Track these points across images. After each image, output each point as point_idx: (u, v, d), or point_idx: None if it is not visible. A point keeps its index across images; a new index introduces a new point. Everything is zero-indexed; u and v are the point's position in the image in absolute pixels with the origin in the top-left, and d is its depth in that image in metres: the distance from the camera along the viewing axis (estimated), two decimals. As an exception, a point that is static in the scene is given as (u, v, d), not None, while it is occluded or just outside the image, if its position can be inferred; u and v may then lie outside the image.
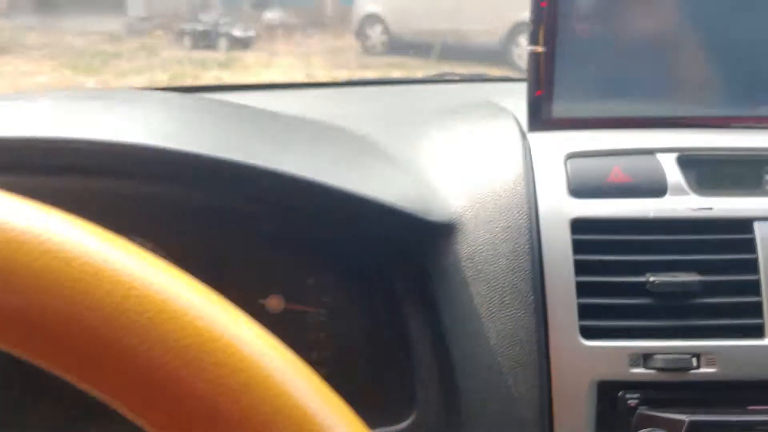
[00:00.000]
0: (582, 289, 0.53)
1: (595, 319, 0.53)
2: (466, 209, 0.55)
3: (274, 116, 0.64)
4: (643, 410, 0.52)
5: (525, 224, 0.53)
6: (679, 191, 0.56)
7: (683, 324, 0.53)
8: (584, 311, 0.53)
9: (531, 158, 0.58)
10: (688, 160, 0.58)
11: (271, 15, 6.22)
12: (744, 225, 0.55)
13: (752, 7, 0.63)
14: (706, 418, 0.51)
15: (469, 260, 0.54)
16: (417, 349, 0.56)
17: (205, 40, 5.17)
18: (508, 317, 0.52)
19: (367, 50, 5.33)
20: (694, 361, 0.52)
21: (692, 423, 0.51)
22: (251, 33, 5.55)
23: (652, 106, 0.63)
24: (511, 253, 0.53)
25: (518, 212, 0.54)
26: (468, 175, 0.57)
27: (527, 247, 0.53)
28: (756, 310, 0.53)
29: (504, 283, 0.53)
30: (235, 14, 5.93)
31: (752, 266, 0.54)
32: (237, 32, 5.47)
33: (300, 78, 4.54)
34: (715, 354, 0.52)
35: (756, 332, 0.53)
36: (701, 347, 0.52)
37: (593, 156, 0.58)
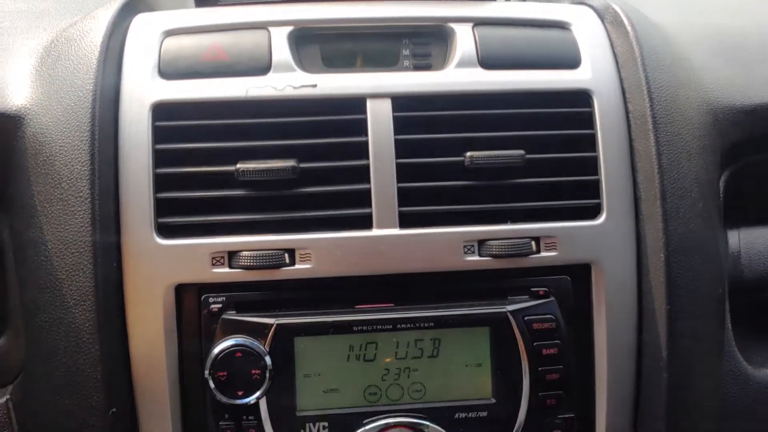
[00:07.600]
0: (161, 183, 0.46)
1: (174, 216, 0.46)
2: (37, 98, 0.46)
3: None
4: (230, 315, 0.46)
5: (87, 110, 0.45)
6: (284, 68, 0.48)
7: (275, 217, 0.46)
8: (162, 207, 0.46)
9: (124, 39, 0.49)
10: (305, 35, 0.50)
11: None
12: (354, 104, 0.47)
13: None
14: (295, 321, 0.45)
15: (34, 155, 0.45)
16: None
17: None
18: (64, 216, 0.44)
19: None
20: (287, 257, 0.46)
21: (279, 326, 0.45)
22: None
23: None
24: (72, 144, 0.44)
25: (83, 97, 0.45)
26: (45, 64, 0.48)
27: (87, 135, 0.44)
28: (363, 199, 0.47)
29: (63, 179, 0.44)
30: None
31: (362, 150, 0.47)
32: None
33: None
34: (310, 249, 0.46)
35: (362, 224, 0.47)
36: (295, 242, 0.46)
37: (192, 33, 0.50)
